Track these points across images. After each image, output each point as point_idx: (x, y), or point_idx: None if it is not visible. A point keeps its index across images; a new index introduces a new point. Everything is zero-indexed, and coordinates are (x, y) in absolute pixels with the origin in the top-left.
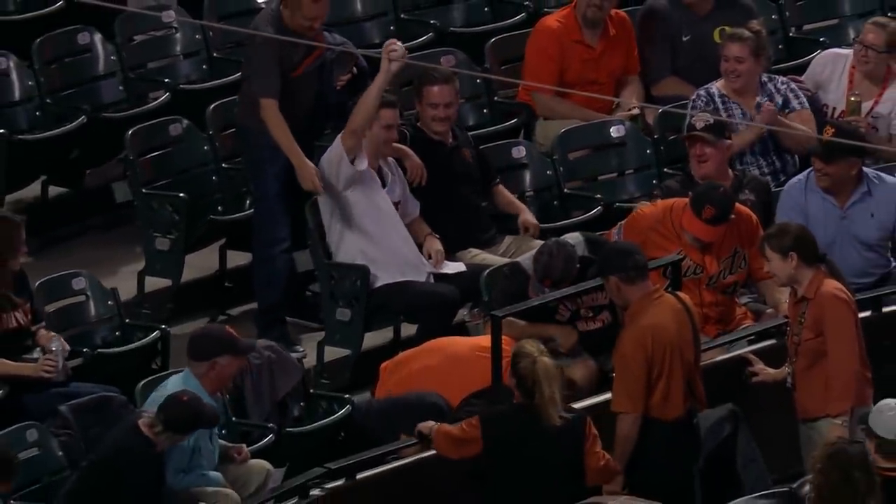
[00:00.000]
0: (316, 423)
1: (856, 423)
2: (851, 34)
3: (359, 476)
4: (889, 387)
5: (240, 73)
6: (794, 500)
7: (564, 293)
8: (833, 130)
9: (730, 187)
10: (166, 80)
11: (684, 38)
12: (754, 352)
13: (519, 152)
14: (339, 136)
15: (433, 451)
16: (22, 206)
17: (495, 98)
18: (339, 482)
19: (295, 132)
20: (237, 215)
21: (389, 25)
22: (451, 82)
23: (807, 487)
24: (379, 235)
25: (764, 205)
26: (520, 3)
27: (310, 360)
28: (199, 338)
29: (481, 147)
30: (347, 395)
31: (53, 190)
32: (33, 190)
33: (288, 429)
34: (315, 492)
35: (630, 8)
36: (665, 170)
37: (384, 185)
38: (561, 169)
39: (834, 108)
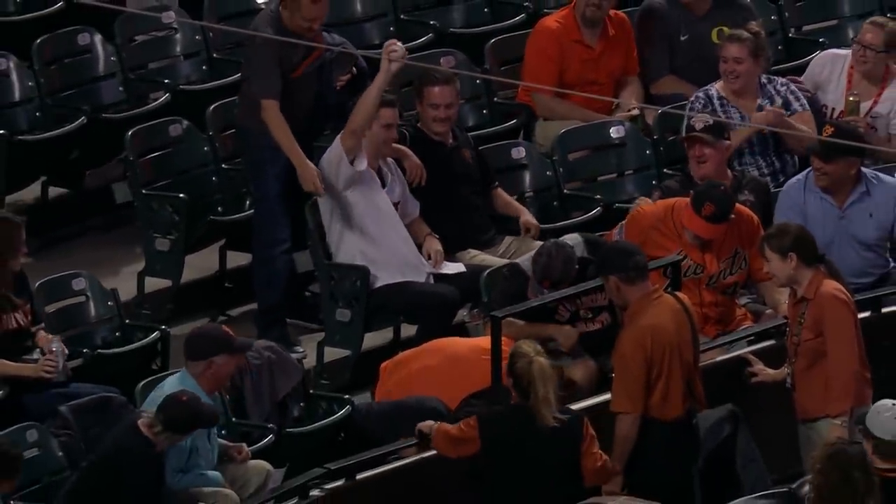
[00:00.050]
0: (316, 424)
1: (854, 424)
2: (851, 35)
3: (359, 476)
4: (888, 387)
5: (239, 74)
6: (793, 501)
7: (564, 294)
8: (832, 130)
9: (729, 188)
10: (166, 81)
11: (682, 38)
12: (754, 352)
13: (519, 153)
14: (339, 136)
15: (433, 452)
16: (22, 207)
17: (495, 99)
18: (339, 482)
19: (295, 133)
20: (237, 216)
21: (389, 26)
22: (451, 83)
23: (806, 488)
24: (379, 236)
25: (763, 205)
26: (519, 3)
27: (310, 361)
28: (195, 337)
29: (481, 148)
30: (347, 396)
31: (53, 190)
32: (33, 190)
33: (288, 429)
34: (315, 492)
35: (629, 9)
36: (664, 170)
37: (384, 186)
38: (560, 169)
39: (833, 109)
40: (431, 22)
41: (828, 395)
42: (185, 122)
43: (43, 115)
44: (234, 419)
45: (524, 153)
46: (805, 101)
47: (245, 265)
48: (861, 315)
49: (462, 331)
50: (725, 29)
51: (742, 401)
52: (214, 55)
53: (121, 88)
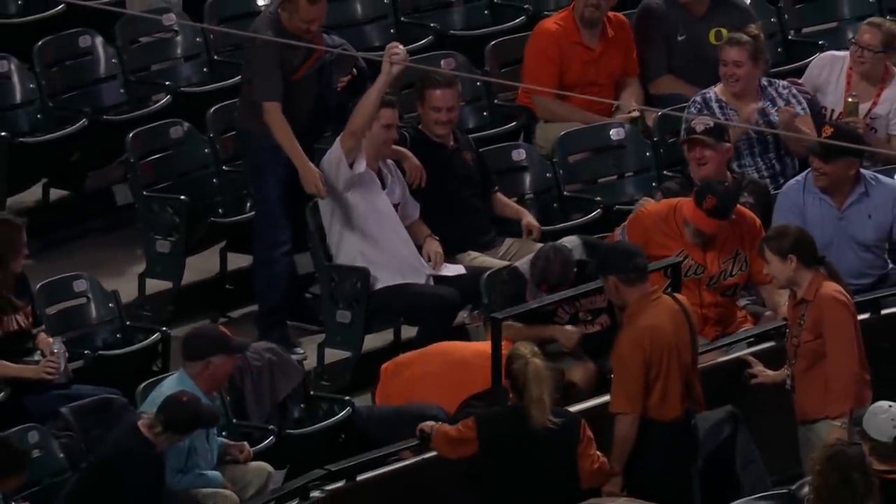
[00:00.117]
0: (316, 425)
1: (851, 426)
2: (850, 37)
3: (359, 478)
4: (887, 389)
5: (240, 77)
6: (793, 502)
7: (563, 296)
8: (831, 130)
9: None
10: (167, 83)
11: (679, 38)
12: (754, 354)
13: (519, 155)
14: (339, 138)
15: (433, 453)
16: (23, 209)
17: (495, 101)
18: (340, 484)
19: (296, 135)
20: (238, 218)
21: (389, 28)
22: (453, 86)
23: (806, 489)
24: (379, 237)
25: (763, 207)
26: (519, 5)
27: (310, 362)
28: (192, 338)
29: (481, 149)
30: (348, 397)
31: (54, 192)
32: (34, 192)
33: (288, 430)
34: (315, 493)
35: (628, 11)
36: (664, 172)
37: (384, 187)
38: (561, 171)
39: (832, 111)
40: (432, 24)
41: (827, 397)
42: (186, 124)
43: (44, 117)
44: (234, 420)
45: (524, 155)
46: (805, 105)
47: (245, 267)
48: (860, 316)
49: (462, 332)
50: (723, 31)
51: (742, 402)
52: (215, 57)
53: (122, 90)
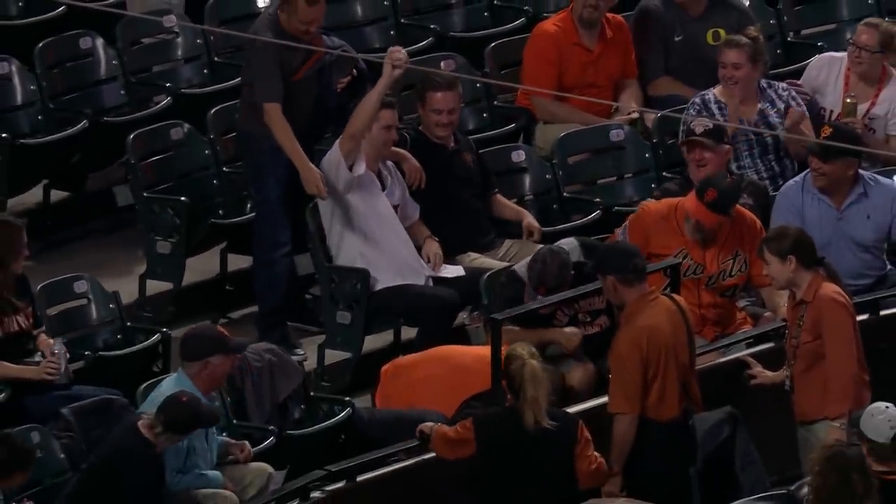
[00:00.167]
0: (316, 426)
1: (849, 427)
2: (849, 38)
3: (359, 478)
4: (887, 389)
5: (240, 78)
6: (792, 503)
7: (562, 297)
8: (830, 131)
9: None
10: (168, 85)
11: (677, 38)
12: (753, 355)
13: (519, 156)
14: (338, 140)
15: (433, 454)
16: (24, 210)
17: (495, 102)
18: (340, 484)
19: (296, 136)
20: (238, 219)
21: (389, 30)
22: (454, 88)
23: (805, 490)
24: (378, 239)
25: (762, 209)
26: (519, 7)
27: (310, 363)
28: (190, 338)
29: (481, 151)
30: (348, 398)
31: (55, 194)
32: (35, 194)
33: (288, 431)
34: (316, 494)
35: (627, 13)
36: (664, 173)
37: (383, 188)
38: (560, 173)
39: (831, 111)
40: (432, 26)
41: (826, 398)
42: (187, 126)
43: (45, 118)
44: (234, 421)
45: (524, 156)
46: (805, 108)
47: (246, 268)
48: (860, 317)
49: (462, 333)
50: (721, 31)
51: (741, 403)
52: (215, 59)
53: (122, 92)
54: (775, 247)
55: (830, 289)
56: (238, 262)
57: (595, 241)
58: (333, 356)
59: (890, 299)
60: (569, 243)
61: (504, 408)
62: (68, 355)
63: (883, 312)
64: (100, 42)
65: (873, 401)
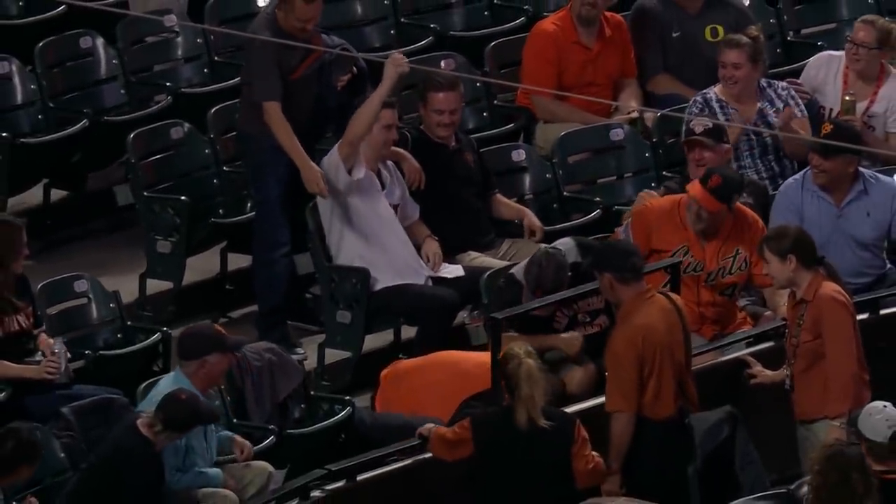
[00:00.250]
0: (317, 425)
1: (847, 426)
2: (848, 36)
3: (359, 477)
4: (886, 389)
5: (240, 78)
6: (792, 502)
7: (561, 296)
8: (831, 128)
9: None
10: (168, 84)
11: (674, 35)
12: (753, 354)
13: (519, 155)
14: (337, 145)
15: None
16: (24, 210)
17: (495, 102)
18: (340, 483)
19: (296, 135)
20: (238, 218)
21: (390, 29)
22: (456, 89)
23: (805, 489)
24: (378, 240)
25: (762, 208)
26: (519, 6)
27: (310, 363)
28: (187, 337)
29: (481, 150)
30: (348, 397)
31: (55, 193)
32: (35, 193)
33: (289, 430)
34: (316, 493)
35: (626, 13)
36: (664, 173)
37: (383, 188)
38: (560, 172)
39: (830, 110)
40: (431, 25)
41: (826, 397)
42: (187, 125)
43: (45, 117)
44: (234, 420)
45: (524, 156)
46: (803, 107)
47: (246, 267)
48: (859, 317)
49: (462, 333)
50: (719, 28)
51: (741, 402)
52: (216, 58)
53: (122, 91)
54: (775, 246)
55: (830, 288)
56: (238, 261)
57: (592, 241)
58: (333, 355)
59: (890, 298)
60: (565, 244)
61: (501, 407)
62: (68, 355)
63: (883, 311)
64: (100, 41)
65: (873, 400)
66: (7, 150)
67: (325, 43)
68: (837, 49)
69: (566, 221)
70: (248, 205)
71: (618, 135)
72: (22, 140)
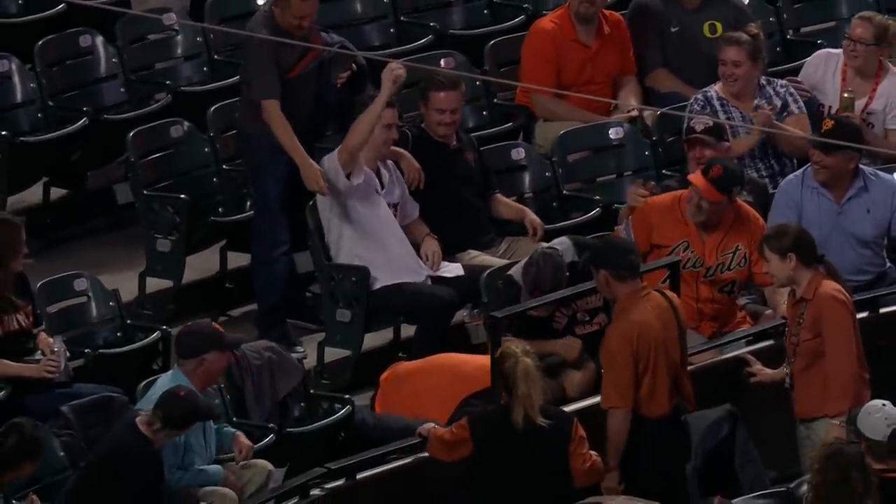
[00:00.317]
0: (316, 424)
1: (847, 425)
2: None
3: (359, 476)
4: (886, 387)
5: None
6: (791, 500)
7: (559, 295)
8: (832, 124)
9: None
10: (167, 83)
11: (672, 30)
12: (752, 352)
13: (518, 154)
14: (336, 151)
15: None
16: (24, 208)
17: (495, 100)
18: (340, 482)
19: (296, 134)
20: (238, 217)
21: (389, 28)
22: (457, 88)
23: (804, 487)
24: (377, 240)
25: (762, 206)
26: (519, 5)
27: (310, 361)
28: (185, 336)
29: (481, 149)
30: (348, 396)
31: (55, 191)
32: (35, 192)
33: (288, 429)
34: (315, 492)
35: (624, 12)
36: (663, 171)
37: (382, 187)
38: (560, 171)
39: (829, 107)
40: (431, 23)
41: (826, 395)
42: (186, 124)
43: (45, 116)
44: (234, 419)
45: (524, 154)
46: (802, 104)
47: (246, 266)
48: (859, 315)
49: (461, 332)
50: (718, 24)
51: (740, 401)
52: (215, 57)
53: (122, 90)
54: (775, 244)
55: (830, 286)
56: (238, 259)
57: (589, 240)
58: (333, 354)
59: (889, 297)
60: (562, 243)
61: (499, 406)
62: (68, 353)
63: (882, 310)
64: (100, 40)
65: (873, 398)
66: (7, 149)
67: (324, 41)
68: (837, 47)
69: (566, 220)
70: (248, 203)
71: (617, 133)
72: (21, 138)
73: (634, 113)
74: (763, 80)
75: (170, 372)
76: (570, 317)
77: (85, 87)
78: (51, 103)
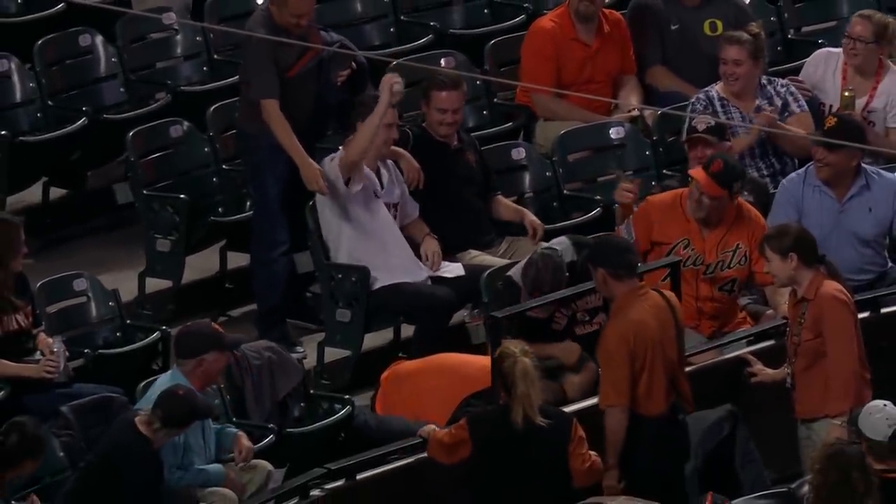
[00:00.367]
0: (316, 424)
1: (848, 425)
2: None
3: (359, 476)
4: (887, 388)
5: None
6: (792, 501)
7: (558, 295)
8: (834, 121)
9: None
10: (167, 82)
11: (672, 28)
12: (753, 352)
13: (519, 154)
14: (338, 159)
15: None
16: (23, 208)
17: (495, 100)
18: (340, 482)
19: (296, 133)
20: (238, 216)
21: (389, 27)
22: (459, 87)
23: (805, 488)
24: (376, 241)
25: (763, 206)
26: (519, 4)
27: (310, 361)
28: (184, 336)
29: (481, 148)
30: (347, 396)
31: (55, 191)
32: (35, 191)
33: (288, 429)
34: (315, 492)
35: (625, 11)
36: (664, 171)
37: (382, 187)
38: (560, 170)
39: (830, 106)
40: (431, 23)
41: (827, 396)
42: (186, 123)
43: (44, 116)
44: (234, 419)
45: (524, 154)
46: (804, 103)
47: (245, 266)
48: (860, 315)
49: (461, 332)
50: (718, 22)
51: (741, 401)
52: (215, 56)
53: (122, 89)
54: (776, 244)
55: (832, 287)
56: (238, 259)
57: (588, 239)
58: (333, 354)
59: (890, 297)
60: (561, 243)
61: (497, 406)
62: (67, 353)
63: (884, 310)
64: (99, 39)
65: (874, 399)
66: (6, 149)
67: (323, 39)
68: (838, 47)
69: (566, 220)
70: (248, 203)
71: (618, 133)
72: (21, 138)
73: (635, 112)
74: (764, 80)
75: (169, 372)
76: (570, 317)
77: (84, 87)
78: (50, 103)
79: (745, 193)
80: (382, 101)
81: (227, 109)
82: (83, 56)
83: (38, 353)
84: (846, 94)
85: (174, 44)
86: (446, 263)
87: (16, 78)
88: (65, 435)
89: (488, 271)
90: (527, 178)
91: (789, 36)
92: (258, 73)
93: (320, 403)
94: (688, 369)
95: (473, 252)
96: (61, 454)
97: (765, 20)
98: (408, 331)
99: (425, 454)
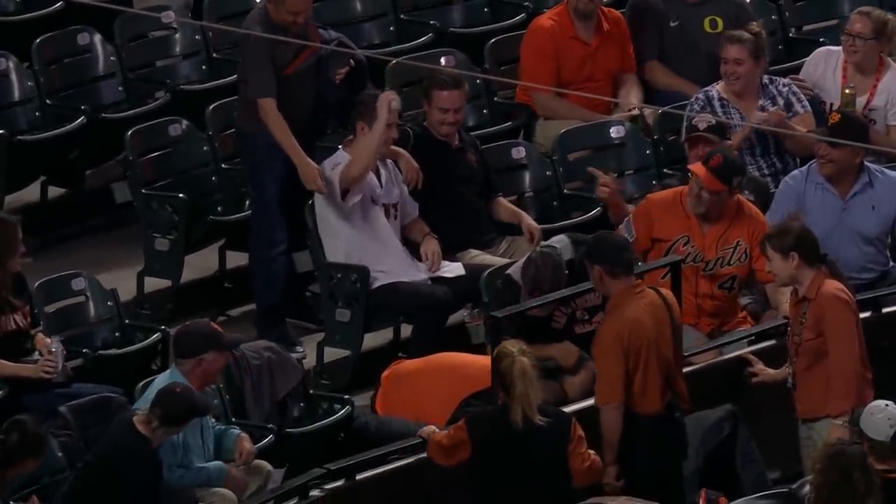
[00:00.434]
0: (316, 424)
1: (850, 425)
2: None
3: (358, 476)
4: (889, 388)
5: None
6: (793, 501)
7: (557, 295)
8: (838, 117)
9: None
10: (166, 81)
11: (672, 25)
12: (754, 352)
13: (519, 153)
14: (339, 169)
15: None
16: (22, 207)
17: (495, 99)
18: (339, 483)
19: (295, 132)
20: (237, 216)
21: (389, 26)
22: (460, 87)
23: (806, 488)
24: (374, 241)
25: (763, 205)
26: (519, 3)
27: (310, 361)
28: (183, 335)
29: (481, 148)
30: (347, 396)
31: (53, 190)
32: (33, 191)
33: (288, 429)
34: (315, 492)
35: (624, 10)
36: (664, 170)
37: (381, 187)
38: (561, 169)
39: (831, 105)
40: (431, 22)
41: (828, 395)
42: (185, 122)
43: (43, 114)
44: (233, 419)
45: (524, 153)
46: (806, 102)
47: (245, 265)
48: (862, 315)
49: (459, 331)
50: (718, 20)
51: (742, 400)
52: (214, 55)
53: (120, 88)
54: (778, 243)
55: (833, 286)
56: (237, 259)
57: (587, 238)
58: (333, 354)
59: (892, 297)
60: (560, 241)
61: (496, 406)
62: (66, 353)
63: (885, 310)
64: (98, 38)
65: (875, 399)
66: (4, 148)
67: (321, 37)
68: (838, 45)
69: (566, 219)
70: (247, 202)
71: (618, 132)
72: (19, 137)
73: (635, 112)
74: (766, 80)
75: (167, 371)
76: (570, 315)
77: (83, 86)
78: (49, 102)
79: (747, 193)
80: (381, 118)
81: (226, 108)
82: (82, 55)
83: (37, 353)
84: (847, 91)
85: (173, 42)
86: (446, 263)
87: (14, 77)
88: (63, 435)
89: (488, 271)
90: (527, 177)
91: (790, 35)
92: (255, 71)
93: (320, 403)
94: (688, 369)
95: (474, 252)
96: (60, 454)
97: (765, 19)
98: (407, 330)
99: (425, 454)
